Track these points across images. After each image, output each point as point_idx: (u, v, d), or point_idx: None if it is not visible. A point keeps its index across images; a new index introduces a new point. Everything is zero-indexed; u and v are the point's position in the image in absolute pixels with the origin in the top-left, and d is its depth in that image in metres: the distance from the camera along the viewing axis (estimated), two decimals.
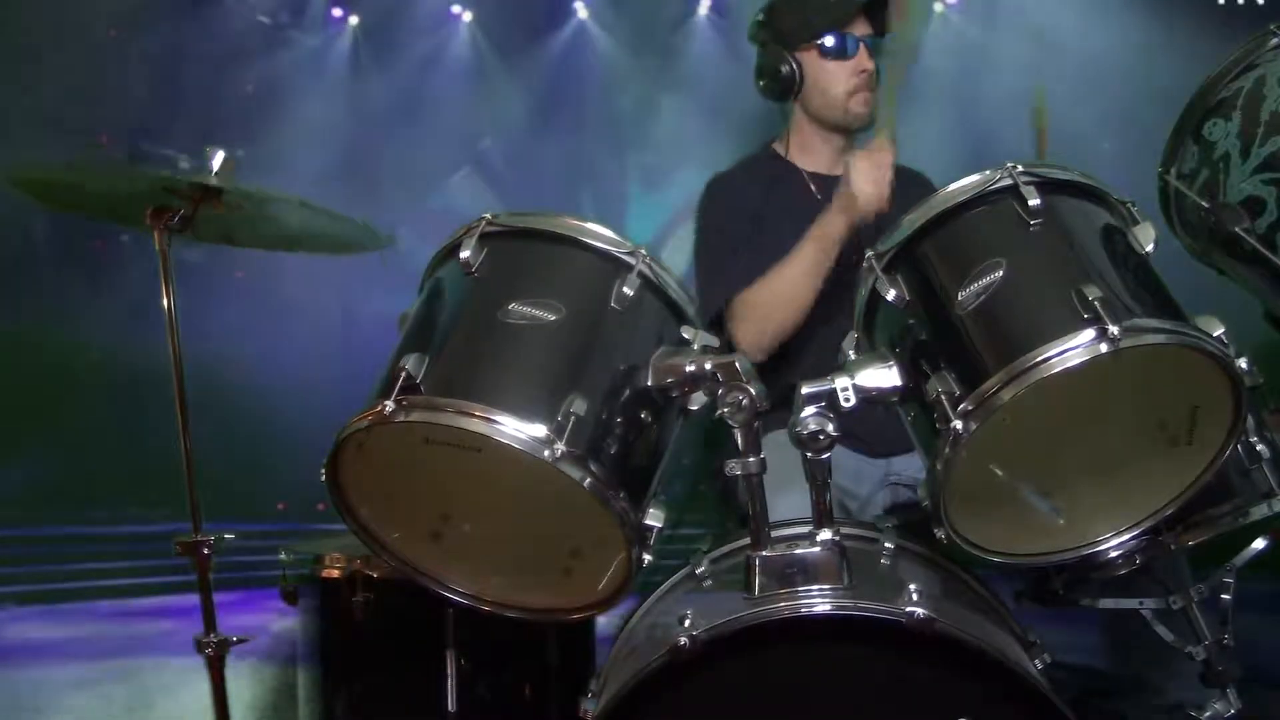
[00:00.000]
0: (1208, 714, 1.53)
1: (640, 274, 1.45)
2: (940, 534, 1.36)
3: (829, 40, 2.29)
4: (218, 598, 1.84)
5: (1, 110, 5.20)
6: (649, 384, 1.43)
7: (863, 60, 2.30)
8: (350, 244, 2.09)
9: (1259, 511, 1.53)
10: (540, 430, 1.30)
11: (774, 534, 1.47)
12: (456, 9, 6.49)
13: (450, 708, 1.80)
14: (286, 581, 1.97)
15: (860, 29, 2.31)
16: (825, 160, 2.41)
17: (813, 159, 2.41)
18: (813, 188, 2.37)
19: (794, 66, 2.31)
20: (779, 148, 2.45)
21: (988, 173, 1.41)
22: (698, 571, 1.59)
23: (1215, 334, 1.31)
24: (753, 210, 2.32)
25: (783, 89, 2.34)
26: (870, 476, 2.23)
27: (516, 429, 1.29)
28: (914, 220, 1.43)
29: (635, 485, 1.39)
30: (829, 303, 2.15)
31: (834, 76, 2.31)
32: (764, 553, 1.42)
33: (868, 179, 2.09)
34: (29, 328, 5.53)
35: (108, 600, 4.95)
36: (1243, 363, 1.31)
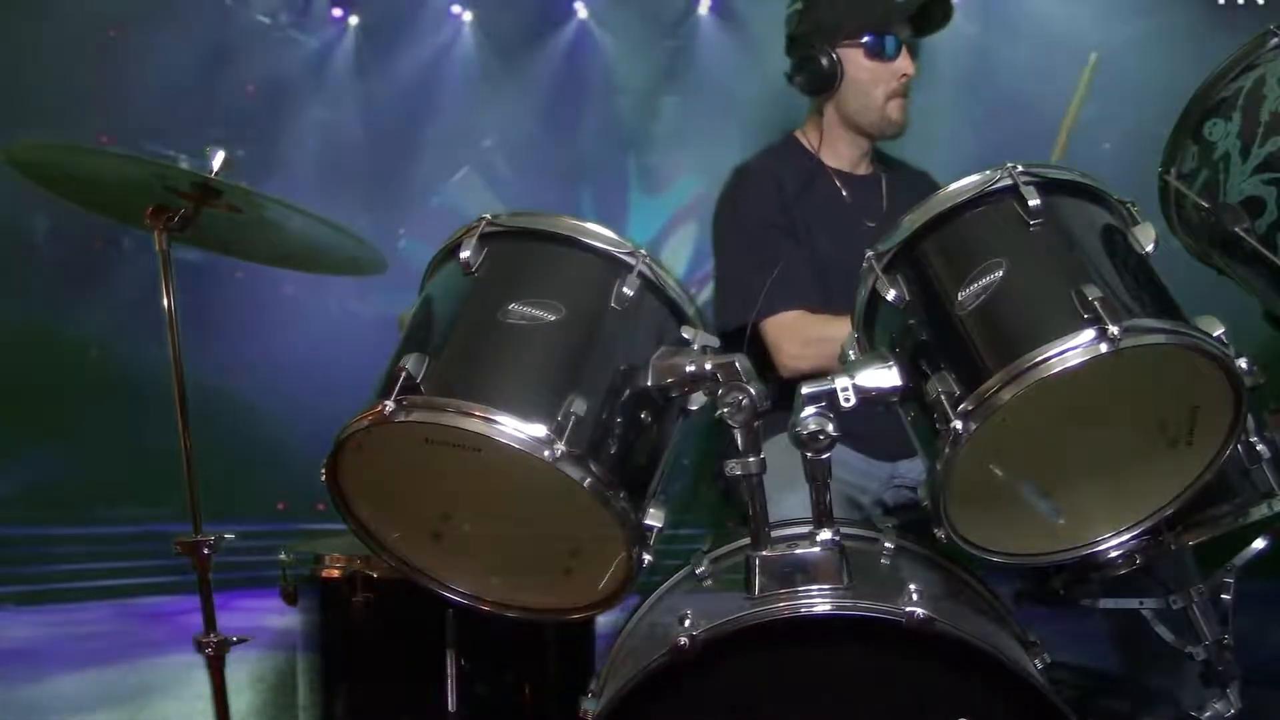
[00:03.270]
0: (1208, 714, 1.53)
1: (640, 274, 1.45)
2: (940, 534, 1.36)
3: (874, 39, 2.23)
4: (218, 598, 1.84)
5: (1, 110, 5.20)
6: (649, 384, 1.43)
7: (905, 64, 2.26)
8: (346, 262, 2.08)
9: (1259, 511, 1.53)
10: (540, 430, 1.30)
11: (774, 534, 1.47)
12: (456, 9, 6.50)
13: (450, 708, 1.79)
14: (286, 581, 1.97)
15: (904, 31, 2.26)
16: (850, 160, 2.38)
17: (839, 158, 2.37)
18: (841, 190, 2.34)
19: (835, 61, 2.25)
20: (803, 139, 2.40)
21: (988, 173, 1.41)
22: (698, 571, 1.59)
23: (1215, 334, 1.31)
24: (787, 204, 2.27)
25: (821, 84, 2.28)
26: (876, 477, 2.23)
27: (516, 429, 1.29)
28: (914, 220, 1.43)
29: (635, 485, 1.39)
30: (836, 295, 2.15)
31: (876, 77, 2.26)
32: (764, 553, 1.43)
33: None
34: (29, 328, 5.53)
35: (108, 600, 4.95)
36: (1243, 363, 1.31)
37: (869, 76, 2.26)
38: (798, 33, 2.31)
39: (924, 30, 2.29)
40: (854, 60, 2.26)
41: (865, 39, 2.24)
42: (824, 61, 2.25)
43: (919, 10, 2.24)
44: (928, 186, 2.43)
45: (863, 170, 2.39)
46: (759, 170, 2.36)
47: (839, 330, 2.07)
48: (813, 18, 2.28)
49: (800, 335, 2.15)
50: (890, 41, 2.24)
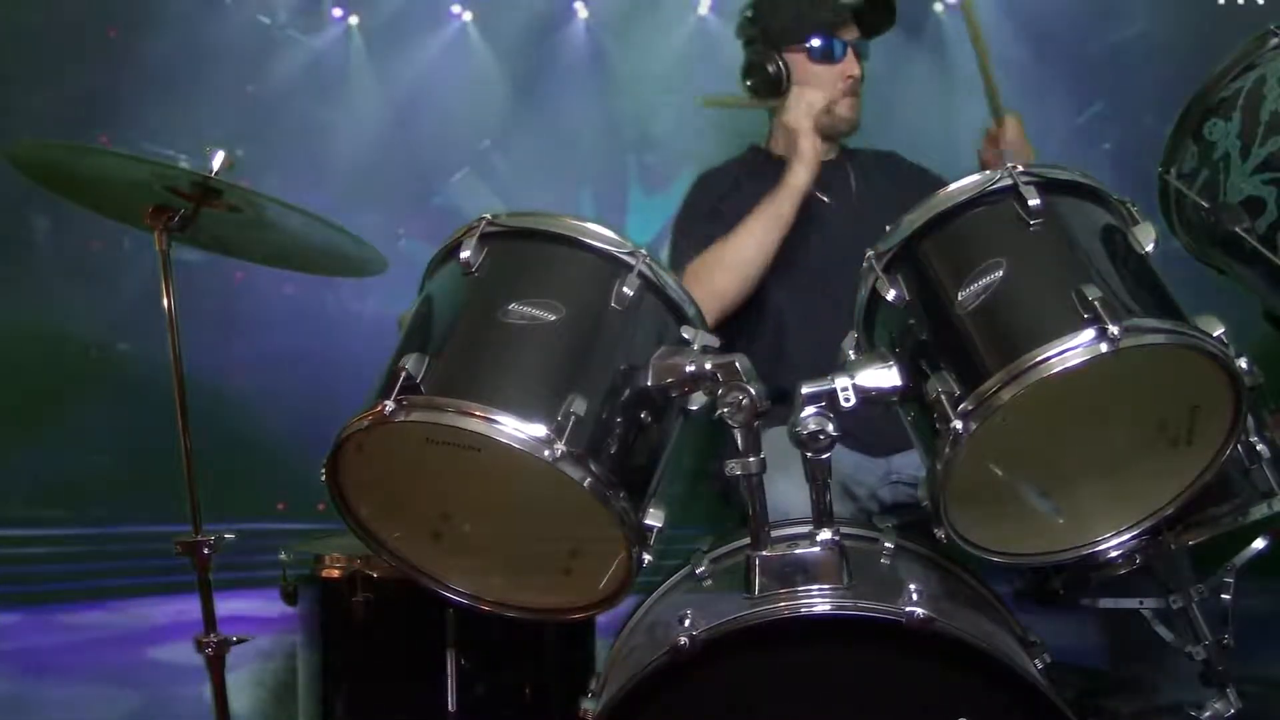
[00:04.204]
0: (1208, 714, 1.53)
1: (640, 274, 1.45)
2: (940, 534, 1.36)
3: (818, 43, 2.28)
4: (218, 598, 1.84)
5: (1, 110, 5.19)
6: (649, 384, 1.43)
7: (850, 65, 2.31)
8: (346, 262, 2.08)
9: (1259, 511, 1.53)
10: (540, 430, 1.30)
11: (774, 534, 1.47)
12: (456, 9, 6.47)
13: (450, 708, 1.80)
14: (286, 581, 1.97)
15: (849, 33, 2.31)
16: None
17: None
18: None
19: (781, 66, 2.30)
20: (764, 147, 2.47)
21: (988, 172, 1.42)
22: (698, 571, 1.59)
23: (1215, 334, 1.31)
24: (731, 190, 2.34)
25: (769, 89, 2.34)
26: (871, 473, 2.24)
27: (516, 429, 1.30)
28: (914, 220, 1.44)
29: (635, 485, 1.39)
30: (824, 306, 2.16)
31: (821, 80, 2.31)
32: (764, 553, 1.43)
33: (799, 112, 2.16)
34: (29, 328, 5.52)
35: (108, 600, 4.94)
36: (1243, 363, 1.31)
37: (815, 80, 2.31)
38: (746, 39, 2.38)
39: (871, 32, 2.34)
40: (800, 64, 2.31)
41: (809, 43, 2.29)
42: (771, 68, 2.31)
43: (861, 12, 2.30)
44: (894, 165, 2.50)
45: (827, 158, 2.42)
46: (711, 171, 2.46)
47: (723, 249, 2.18)
48: (760, 25, 2.35)
49: (696, 276, 2.19)
50: (834, 44, 2.29)
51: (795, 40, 2.30)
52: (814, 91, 2.19)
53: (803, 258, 2.26)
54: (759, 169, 2.40)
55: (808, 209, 2.30)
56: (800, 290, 2.25)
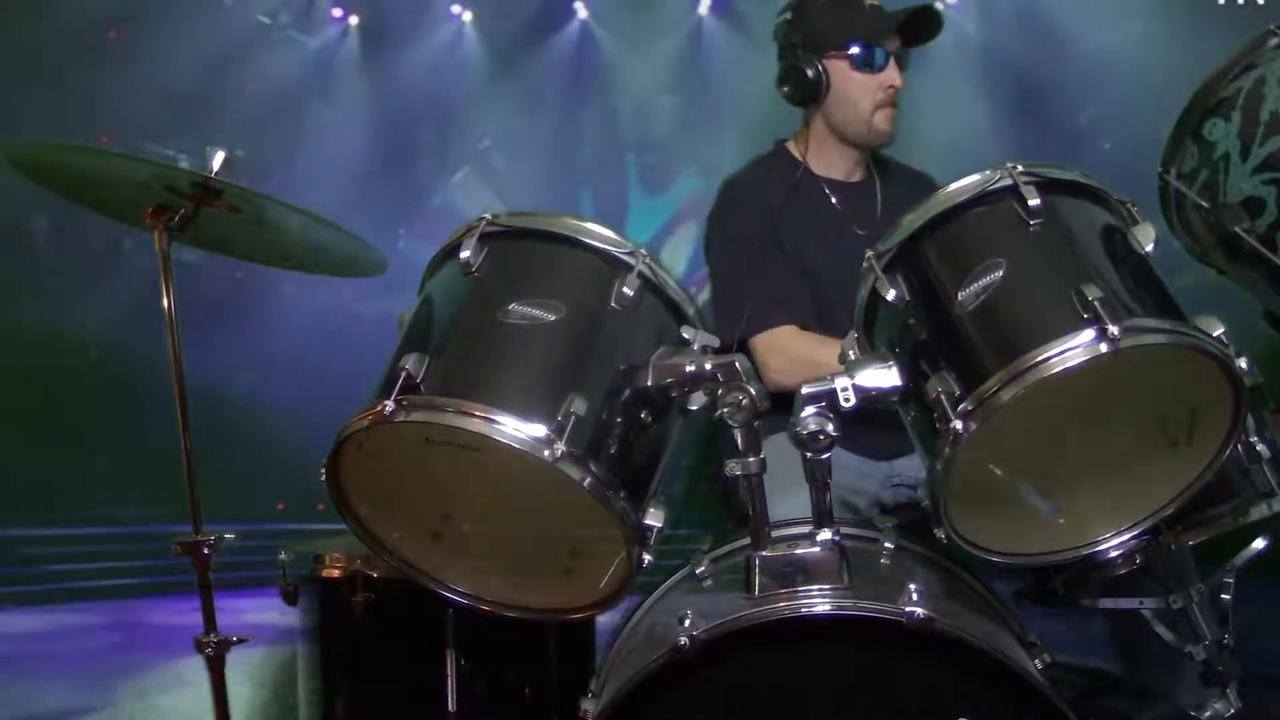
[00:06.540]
0: (1208, 714, 1.53)
1: (640, 274, 1.45)
2: (940, 534, 1.36)
3: (860, 50, 2.22)
4: (218, 598, 1.84)
5: (2, 110, 5.20)
6: (649, 384, 1.43)
7: (892, 75, 2.25)
8: (346, 262, 2.08)
9: (1259, 511, 1.52)
10: (540, 430, 1.30)
11: (774, 534, 1.47)
12: (456, 9, 6.50)
13: (450, 708, 1.79)
14: (286, 581, 1.97)
15: (891, 43, 2.25)
16: (842, 169, 2.36)
17: (829, 167, 2.36)
18: (831, 198, 2.33)
19: (821, 72, 2.24)
20: (793, 149, 2.39)
21: (988, 172, 1.41)
22: (698, 571, 1.59)
23: (1215, 334, 1.31)
24: (773, 216, 2.26)
25: (807, 95, 2.27)
26: (873, 478, 2.23)
27: (516, 429, 1.30)
28: (914, 220, 1.43)
29: (635, 485, 1.39)
30: (830, 305, 2.15)
31: (862, 88, 2.25)
32: (764, 553, 1.43)
33: None
34: (29, 328, 5.53)
35: (108, 600, 4.95)
36: (1243, 363, 1.31)
37: (856, 88, 2.25)
38: (785, 43, 2.31)
39: (913, 41, 2.28)
40: (840, 71, 2.25)
41: (852, 50, 2.23)
42: (810, 73, 2.24)
43: (907, 22, 2.23)
44: (927, 189, 2.42)
45: (856, 177, 2.38)
46: (746, 184, 2.36)
47: (827, 354, 2.06)
48: (800, 29, 2.27)
49: (788, 353, 2.15)
50: (878, 53, 2.23)
51: (836, 46, 2.23)
52: None
53: (820, 284, 2.23)
54: (793, 182, 2.30)
55: (830, 233, 2.27)
56: (816, 315, 2.22)
